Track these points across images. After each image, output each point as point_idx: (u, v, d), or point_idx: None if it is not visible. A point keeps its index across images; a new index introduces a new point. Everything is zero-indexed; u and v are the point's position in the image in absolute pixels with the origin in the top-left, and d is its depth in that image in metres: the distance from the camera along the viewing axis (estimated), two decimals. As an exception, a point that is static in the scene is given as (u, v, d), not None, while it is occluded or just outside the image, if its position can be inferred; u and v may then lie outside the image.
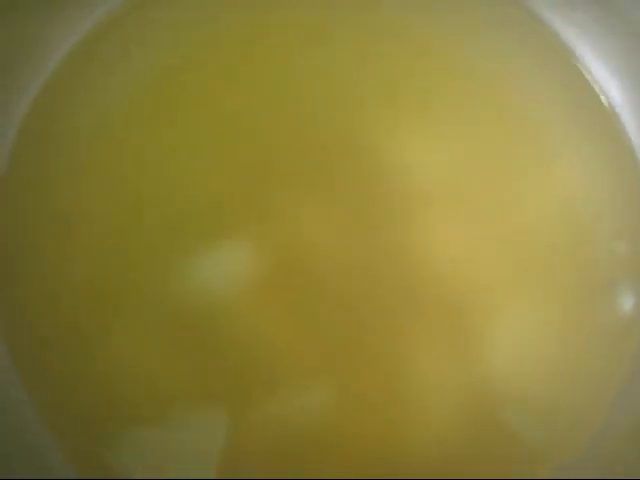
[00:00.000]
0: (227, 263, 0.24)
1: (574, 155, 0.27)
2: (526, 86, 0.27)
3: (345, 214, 0.25)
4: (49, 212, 0.25)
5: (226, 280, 0.24)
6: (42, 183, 0.25)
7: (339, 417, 0.24)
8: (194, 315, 0.24)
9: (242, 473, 0.23)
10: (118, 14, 0.26)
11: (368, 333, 0.24)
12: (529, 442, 0.24)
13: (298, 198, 0.25)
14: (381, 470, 0.23)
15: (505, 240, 0.26)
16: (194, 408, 0.23)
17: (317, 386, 0.24)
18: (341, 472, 0.23)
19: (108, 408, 0.24)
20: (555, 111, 0.27)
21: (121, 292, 0.24)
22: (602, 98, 0.27)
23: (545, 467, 0.24)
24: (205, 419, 0.23)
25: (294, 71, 0.26)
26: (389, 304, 0.24)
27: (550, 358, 0.25)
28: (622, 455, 0.23)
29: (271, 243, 0.25)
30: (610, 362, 0.25)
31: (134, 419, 0.23)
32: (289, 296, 0.24)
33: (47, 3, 0.25)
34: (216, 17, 0.26)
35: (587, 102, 0.27)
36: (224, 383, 0.24)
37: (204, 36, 0.26)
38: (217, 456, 0.23)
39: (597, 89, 0.27)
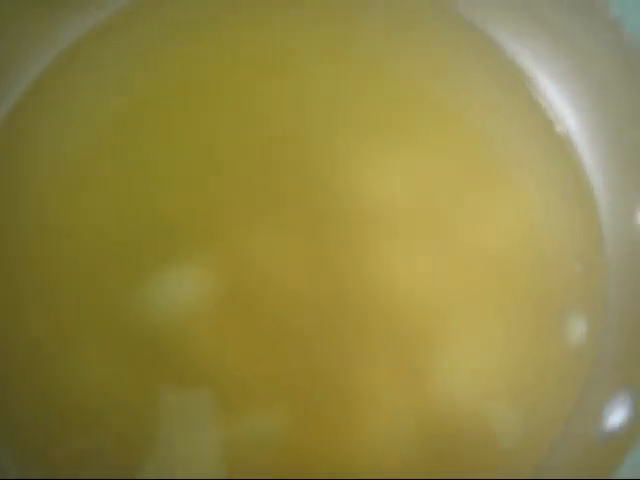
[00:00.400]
0: (182, 285, 0.25)
1: (532, 181, 0.27)
2: (484, 112, 0.27)
3: (300, 240, 0.25)
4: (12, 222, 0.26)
5: (181, 302, 0.25)
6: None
7: (292, 443, 0.24)
8: (151, 334, 0.25)
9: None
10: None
11: (322, 359, 0.25)
12: (481, 459, 0.25)
13: (254, 223, 0.25)
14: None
15: (462, 267, 0.26)
16: (146, 427, 0.24)
17: (270, 411, 0.24)
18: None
19: (64, 421, 0.25)
20: (513, 138, 0.27)
21: (80, 308, 0.25)
22: (557, 126, 0.28)
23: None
24: (161, 439, 0.24)
25: (251, 96, 0.27)
26: (342, 331, 0.25)
27: (504, 384, 0.26)
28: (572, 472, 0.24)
29: (227, 267, 0.25)
30: (562, 386, 0.26)
31: (88, 435, 0.24)
32: (243, 320, 0.25)
33: (27, 12, 0.26)
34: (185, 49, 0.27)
35: (543, 129, 0.28)
36: (180, 405, 0.24)
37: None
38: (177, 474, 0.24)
39: (552, 117, 0.28)
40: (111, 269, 0.25)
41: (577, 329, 0.26)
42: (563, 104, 0.28)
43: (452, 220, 0.26)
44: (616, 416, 0.23)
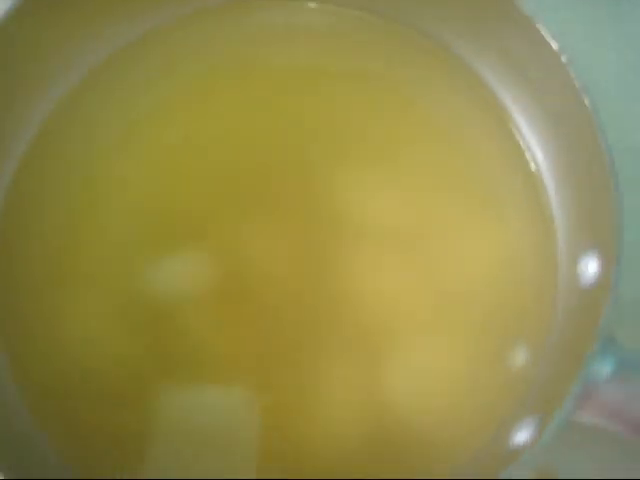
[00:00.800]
0: (182, 268, 0.28)
1: (506, 215, 0.30)
2: (471, 146, 0.30)
3: (289, 242, 0.29)
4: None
5: (178, 282, 0.28)
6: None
7: (254, 417, 0.27)
8: (147, 307, 0.28)
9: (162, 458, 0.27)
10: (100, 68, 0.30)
11: (291, 347, 0.28)
12: (409, 460, 0.27)
13: (250, 223, 0.29)
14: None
15: (430, 286, 0.28)
16: (137, 384, 0.28)
17: (238, 386, 0.28)
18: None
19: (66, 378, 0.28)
20: (494, 172, 0.30)
21: (87, 281, 0.28)
22: (532, 164, 0.30)
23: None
24: (139, 402, 0.27)
25: (259, 112, 0.30)
26: (314, 324, 0.28)
27: (445, 398, 0.28)
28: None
29: (223, 258, 0.28)
30: (494, 407, 0.28)
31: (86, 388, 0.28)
32: (231, 304, 0.28)
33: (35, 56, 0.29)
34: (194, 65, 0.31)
35: (521, 165, 0.30)
36: (160, 370, 0.28)
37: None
38: (146, 439, 0.27)
39: (529, 156, 0.30)
40: (124, 251, 0.29)
41: (520, 359, 0.28)
42: (537, 147, 0.30)
43: (428, 244, 0.29)
44: (522, 435, 0.26)
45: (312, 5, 0.31)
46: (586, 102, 0.25)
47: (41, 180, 0.29)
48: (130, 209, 0.29)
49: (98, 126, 0.30)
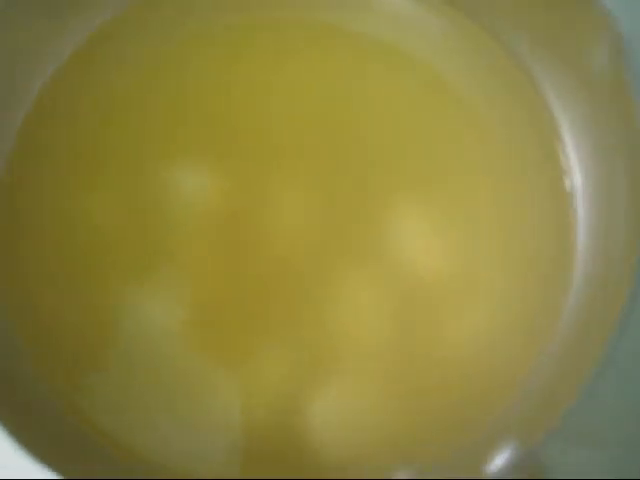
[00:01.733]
0: (200, 185, 0.28)
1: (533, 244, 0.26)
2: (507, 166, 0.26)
3: (310, 205, 0.27)
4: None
5: (192, 198, 0.27)
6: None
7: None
8: (155, 215, 0.27)
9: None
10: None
11: (259, 296, 0.27)
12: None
13: (282, 170, 0.27)
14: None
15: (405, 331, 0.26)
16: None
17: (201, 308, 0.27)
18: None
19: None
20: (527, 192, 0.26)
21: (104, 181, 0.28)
22: (567, 180, 0.26)
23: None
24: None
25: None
26: (291, 286, 0.26)
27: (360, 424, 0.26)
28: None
29: (240, 191, 0.27)
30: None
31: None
32: (227, 232, 0.27)
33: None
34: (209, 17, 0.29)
35: (556, 181, 0.26)
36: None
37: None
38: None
39: (567, 168, 0.26)
40: (145, 151, 0.28)
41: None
42: (576, 161, 0.26)
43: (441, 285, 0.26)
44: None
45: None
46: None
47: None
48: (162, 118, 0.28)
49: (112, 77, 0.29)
